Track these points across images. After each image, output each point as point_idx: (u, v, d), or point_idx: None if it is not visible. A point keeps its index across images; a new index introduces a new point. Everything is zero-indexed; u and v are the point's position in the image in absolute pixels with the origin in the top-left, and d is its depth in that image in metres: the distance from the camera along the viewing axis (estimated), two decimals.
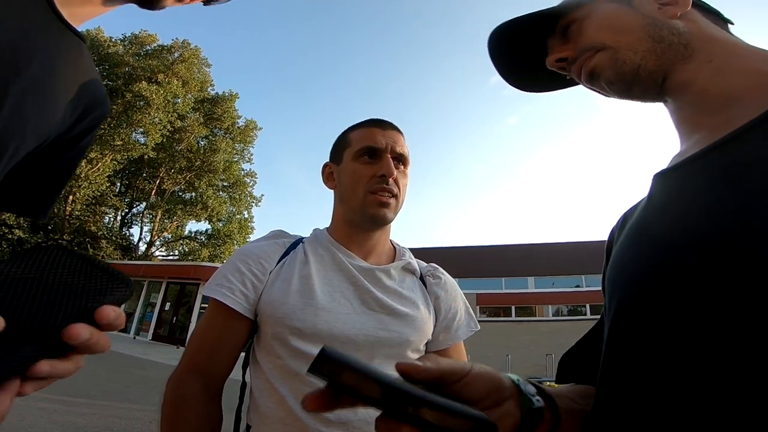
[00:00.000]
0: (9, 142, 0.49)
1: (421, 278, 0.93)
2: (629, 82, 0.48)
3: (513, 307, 19.64)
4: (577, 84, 0.58)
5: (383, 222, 0.87)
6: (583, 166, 48.90)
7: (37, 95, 0.50)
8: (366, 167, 0.86)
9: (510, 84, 0.64)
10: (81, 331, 0.30)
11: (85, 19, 0.59)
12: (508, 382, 0.40)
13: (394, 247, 0.97)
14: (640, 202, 0.48)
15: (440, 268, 0.97)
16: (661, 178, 0.44)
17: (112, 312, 0.32)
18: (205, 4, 0.66)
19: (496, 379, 0.39)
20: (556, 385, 0.50)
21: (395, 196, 0.86)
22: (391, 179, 0.85)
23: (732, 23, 0.50)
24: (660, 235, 0.39)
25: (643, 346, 0.35)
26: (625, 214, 0.52)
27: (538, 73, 0.60)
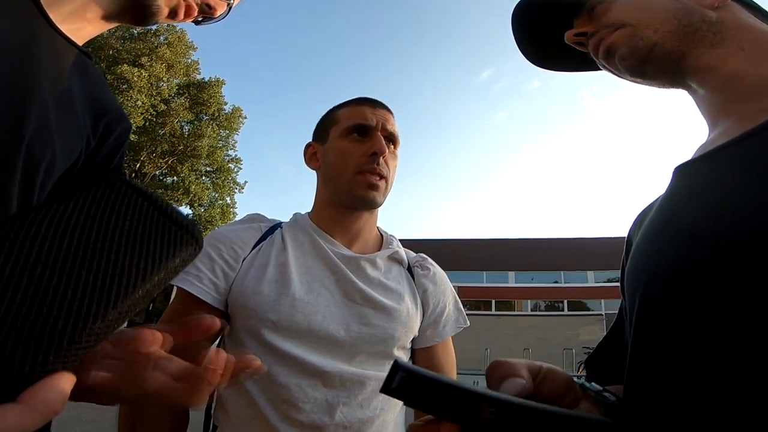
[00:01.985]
0: (40, 161, 0.46)
1: (409, 269, 0.87)
2: (643, 59, 0.47)
3: (493, 301, 19.96)
4: (593, 67, 0.57)
5: (372, 205, 0.82)
6: (567, 164, 49.74)
7: (58, 112, 0.49)
8: (355, 145, 0.81)
9: (525, 56, 0.63)
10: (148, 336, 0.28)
11: (85, 39, 0.58)
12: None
13: (381, 234, 0.91)
14: (657, 199, 0.46)
15: (429, 259, 0.92)
16: (685, 169, 0.43)
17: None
18: (196, 24, 0.66)
19: (567, 376, 0.38)
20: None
21: (384, 179, 0.81)
22: (381, 159, 0.79)
23: None
24: (689, 226, 0.36)
25: (676, 344, 0.33)
26: (642, 212, 0.50)
27: (556, 50, 0.59)
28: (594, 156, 49.71)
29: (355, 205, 0.82)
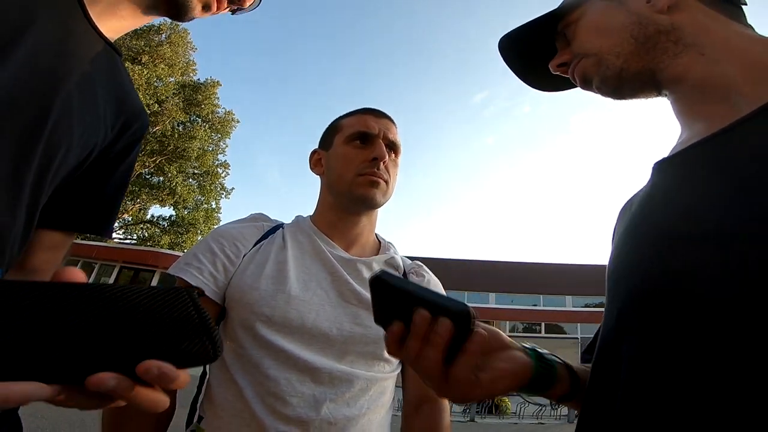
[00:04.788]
0: (59, 145, 0.49)
1: (404, 275, 0.89)
2: (615, 86, 0.50)
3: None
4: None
5: (372, 204, 0.83)
6: (551, 190, 50.90)
7: (81, 103, 0.51)
8: (357, 151, 0.83)
9: (526, 84, 0.65)
10: (104, 379, 0.26)
11: (120, 33, 0.61)
12: (515, 343, 0.47)
13: (379, 241, 0.94)
14: (640, 191, 0.48)
15: (425, 267, 0.93)
16: (660, 166, 0.45)
17: (154, 369, 0.27)
18: (233, 14, 0.67)
19: (501, 336, 0.46)
20: None
21: (386, 182, 0.83)
22: (382, 165, 0.82)
23: (745, 3, 0.49)
24: (661, 225, 0.38)
25: (649, 350, 0.34)
26: (625, 205, 0.51)
27: (549, 74, 0.60)
28: (578, 183, 50.99)
29: (357, 206, 0.84)
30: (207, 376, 0.78)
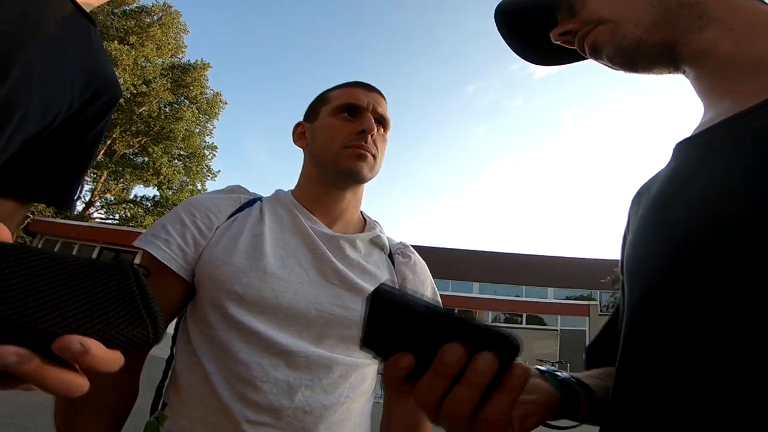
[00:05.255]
0: (15, 108, 0.47)
1: (390, 256, 0.85)
2: (631, 57, 0.46)
3: (456, 309, 20.32)
4: (585, 58, 0.55)
5: (358, 177, 0.78)
6: (537, 183, 51.44)
7: (43, 67, 0.50)
8: (344, 123, 0.79)
9: (521, 57, 0.62)
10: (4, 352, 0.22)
11: (96, 4, 0.60)
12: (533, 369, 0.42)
13: (365, 218, 0.88)
14: (659, 173, 0.45)
15: (411, 247, 0.89)
16: (682, 147, 0.43)
17: (76, 344, 0.23)
18: None
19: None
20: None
21: (373, 156, 0.78)
22: (370, 138, 0.77)
23: None
24: (688, 206, 0.36)
25: (674, 338, 0.31)
26: (640, 189, 0.48)
27: (548, 46, 0.57)
28: (564, 177, 51.64)
29: (342, 180, 0.79)
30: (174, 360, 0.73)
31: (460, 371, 0.31)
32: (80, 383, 0.25)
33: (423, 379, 0.33)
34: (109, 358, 0.24)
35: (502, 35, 0.61)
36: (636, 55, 0.46)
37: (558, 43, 0.54)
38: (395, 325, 0.34)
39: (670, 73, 0.48)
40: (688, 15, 0.43)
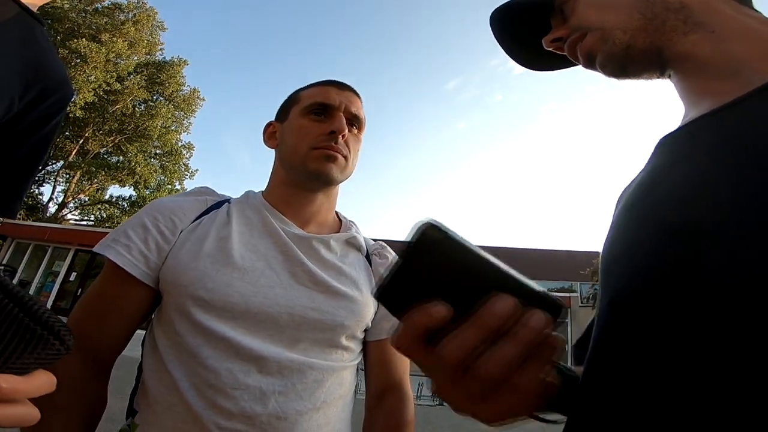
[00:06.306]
0: None
1: (367, 256, 0.82)
2: (621, 64, 0.47)
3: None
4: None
5: (328, 179, 0.75)
6: (517, 177, 52.20)
7: None
8: (314, 124, 0.76)
9: (516, 62, 0.62)
10: None
11: (41, 2, 0.58)
12: None
13: (340, 219, 0.86)
14: (641, 171, 0.45)
15: (388, 247, 0.86)
16: (664, 143, 0.43)
17: None
18: None
19: None
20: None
21: (345, 157, 0.76)
22: (341, 138, 0.74)
23: None
24: (653, 207, 0.36)
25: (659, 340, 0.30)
26: (625, 188, 0.48)
27: (542, 51, 0.57)
28: (544, 170, 52.54)
29: (311, 182, 0.76)
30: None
31: (499, 329, 0.28)
32: (29, 412, 0.25)
33: (459, 330, 0.29)
34: (31, 382, 0.24)
35: (499, 42, 0.61)
36: (625, 61, 0.46)
37: (550, 49, 0.54)
38: (435, 269, 0.29)
39: (658, 78, 0.49)
40: (674, 19, 0.44)
